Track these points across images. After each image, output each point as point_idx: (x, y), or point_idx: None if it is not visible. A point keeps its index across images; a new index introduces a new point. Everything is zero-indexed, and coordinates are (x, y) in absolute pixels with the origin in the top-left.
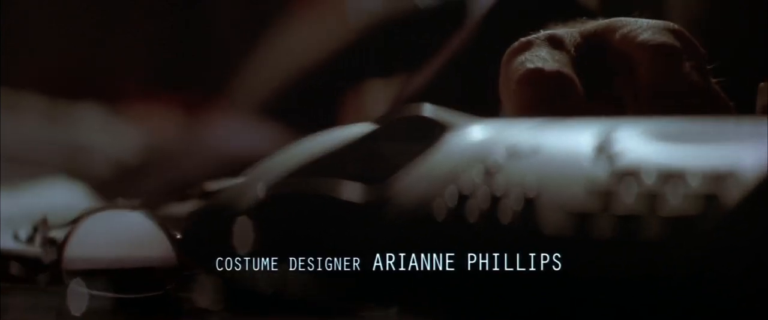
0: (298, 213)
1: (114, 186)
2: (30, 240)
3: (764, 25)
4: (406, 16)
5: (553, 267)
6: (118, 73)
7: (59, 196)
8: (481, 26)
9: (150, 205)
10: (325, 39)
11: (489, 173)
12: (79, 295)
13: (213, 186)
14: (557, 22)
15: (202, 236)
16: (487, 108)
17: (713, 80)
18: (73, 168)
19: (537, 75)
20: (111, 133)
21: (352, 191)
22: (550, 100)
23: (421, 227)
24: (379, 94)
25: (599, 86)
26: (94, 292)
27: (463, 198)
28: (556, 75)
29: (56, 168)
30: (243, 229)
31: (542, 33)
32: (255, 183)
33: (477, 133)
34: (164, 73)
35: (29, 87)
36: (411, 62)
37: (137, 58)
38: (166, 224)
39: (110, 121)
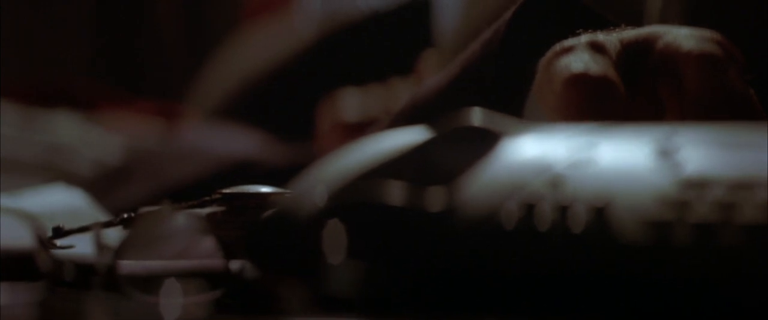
0: (362, 220)
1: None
2: (50, 242)
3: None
4: (358, 23)
5: (628, 274)
6: (86, 80)
7: (60, 200)
8: (505, 32)
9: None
10: (282, 46)
11: (554, 183)
12: (173, 302)
13: (231, 190)
14: (587, 30)
15: (271, 241)
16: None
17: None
18: (54, 171)
19: (583, 77)
20: (88, 137)
21: (418, 198)
22: (595, 102)
23: (491, 235)
24: (353, 99)
25: (639, 91)
26: (189, 298)
27: (531, 208)
28: (602, 78)
29: (37, 171)
30: (335, 234)
31: (583, 38)
32: (315, 191)
33: (534, 141)
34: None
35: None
36: (371, 67)
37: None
38: (217, 227)
39: (86, 126)
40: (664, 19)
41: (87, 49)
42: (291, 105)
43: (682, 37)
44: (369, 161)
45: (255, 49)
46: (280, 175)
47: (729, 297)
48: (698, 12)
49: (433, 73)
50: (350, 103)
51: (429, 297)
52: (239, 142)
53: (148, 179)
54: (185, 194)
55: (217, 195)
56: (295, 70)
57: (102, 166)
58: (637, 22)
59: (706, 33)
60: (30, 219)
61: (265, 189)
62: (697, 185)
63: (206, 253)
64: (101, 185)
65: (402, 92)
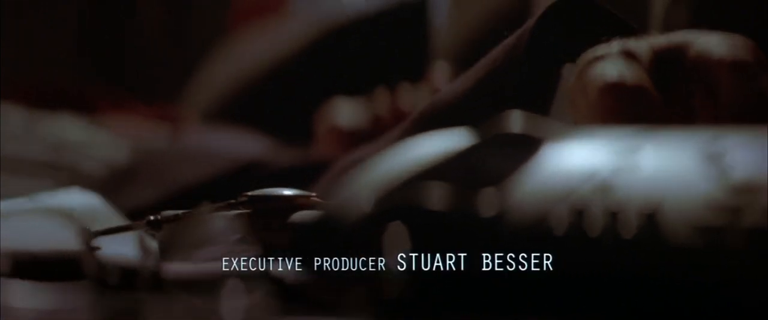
0: (409, 224)
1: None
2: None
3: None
4: (353, 25)
5: (680, 277)
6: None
7: (76, 202)
8: (529, 38)
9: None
10: (277, 48)
11: (601, 189)
12: (235, 303)
13: (256, 193)
14: (611, 36)
15: (319, 246)
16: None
17: None
18: (60, 172)
19: (618, 85)
20: (93, 139)
21: (465, 203)
22: (630, 109)
23: (542, 240)
24: (352, 105)
25: (671, 98)
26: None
27: (580, 214)
28: (636, 86)
29: (43, 172)
30: (397, 236)
31: (615, 45)
32: (362, 195)
33: (578, 146)
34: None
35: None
36: (366, 69)
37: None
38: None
39: (91, 128)
40: (668, 21)
41: (86, 49)
42: (288, 107)
43: (714, 43)
44: (413, 166)
45: (251, 52)
46: (282, 177)
47: None
48: (702, 13)
49: (445, 80)
50: (349, 108)
51: (477, 300)
52: (242, 144)
53: (154, 181)
54: (195, 196)
55: (243, 198)
56: (291, 72)
57: (108, 168)
58: (643, 24)
59: (737, 39)
60: (76, 221)
61: (289, 192)
62: (747, 190)
63: (243, 255)
64: (108, 187)
65: (408, 96)
